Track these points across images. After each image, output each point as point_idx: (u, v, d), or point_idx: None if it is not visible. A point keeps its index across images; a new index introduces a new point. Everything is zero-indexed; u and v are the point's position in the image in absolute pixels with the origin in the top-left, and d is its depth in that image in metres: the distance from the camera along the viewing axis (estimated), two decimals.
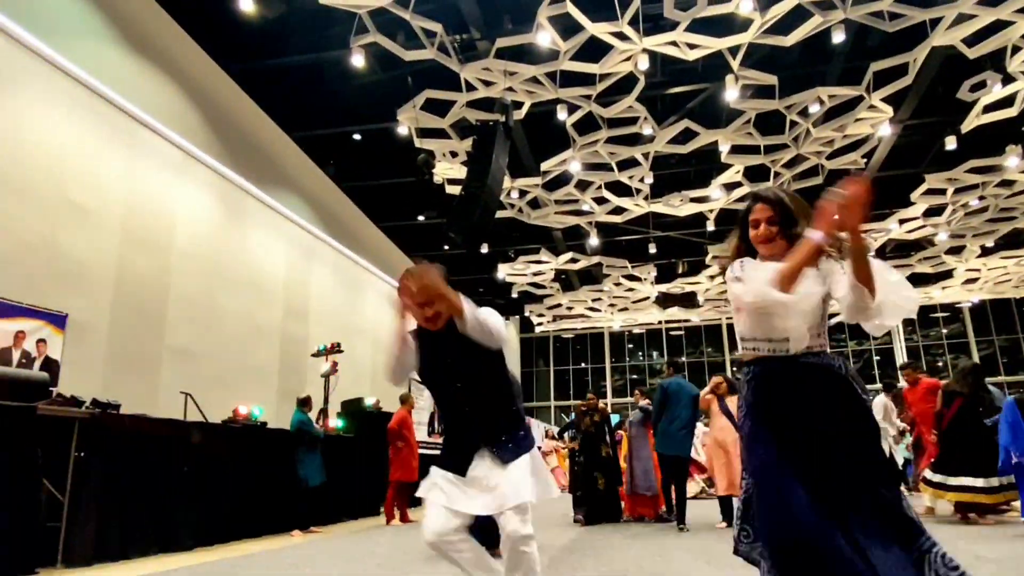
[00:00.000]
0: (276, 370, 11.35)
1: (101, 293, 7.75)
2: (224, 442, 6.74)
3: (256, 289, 10.93)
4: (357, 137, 11.82)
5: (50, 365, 7.04)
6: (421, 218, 15.19)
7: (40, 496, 4.65)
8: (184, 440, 6.11)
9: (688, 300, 20.02)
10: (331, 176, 13.00)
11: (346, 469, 8.79)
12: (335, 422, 9.49)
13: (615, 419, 9.89)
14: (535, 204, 13.44)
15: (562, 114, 10.10)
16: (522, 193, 12.83)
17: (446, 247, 16.79)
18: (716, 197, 12.67)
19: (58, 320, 7.21)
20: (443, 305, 2.30)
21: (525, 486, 2.35)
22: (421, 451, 8.87)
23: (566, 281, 19.34)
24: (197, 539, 5.97)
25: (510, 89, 9.46)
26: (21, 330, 6.84)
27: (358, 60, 8.39)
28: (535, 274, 17.55)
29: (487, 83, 9.36)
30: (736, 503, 6.34)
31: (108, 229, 7.84)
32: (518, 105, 10.06)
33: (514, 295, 19.60)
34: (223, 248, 10.11)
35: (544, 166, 11.63)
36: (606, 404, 24.34)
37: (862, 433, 1.82)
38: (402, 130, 10.46)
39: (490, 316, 2.38)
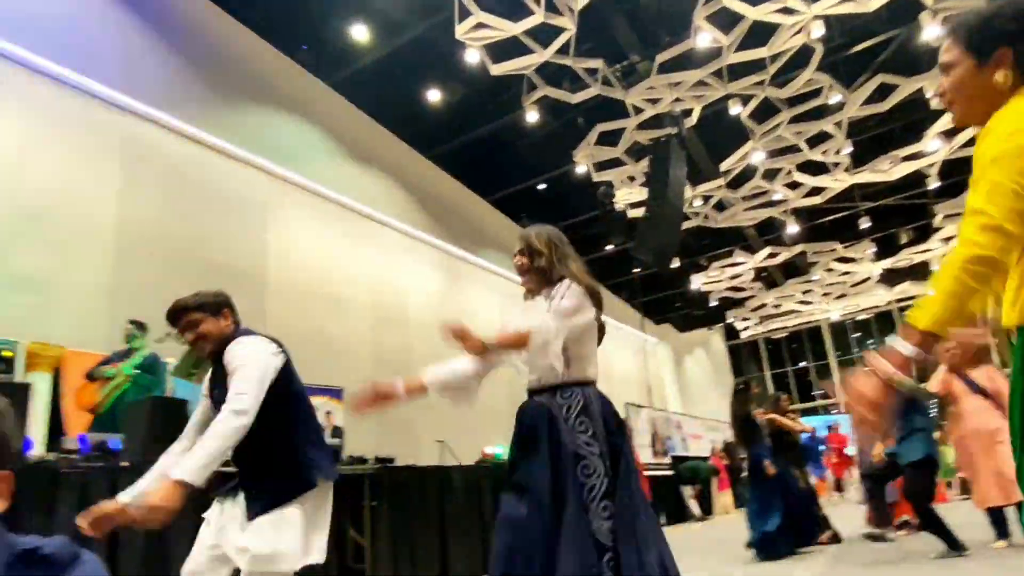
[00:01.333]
0: (507, 410, 11.85)
1: (362, 366, 8.82)
2: (479, 481, 7.12)
3: None
4: (542, 187, 12.28)
5: (337, 432, 8.12)
6: (609, 248, 15.15)
7: (347, 543, 5.26)
8: (447, 483, 6.55)
9: (920, 271, 17.20)
10: (525, 227, 13.64)
11: None
12: None
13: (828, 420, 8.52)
14: (721, 206, 12.70)
15: (735, 108, 9.51)
16: (705, 199, 12.22)
17: (635, 270, 16.50)
18: (934, 149, 10.86)
19: (337, 393, 8.31)
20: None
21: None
22: (648, 472, 8.66)
23: (768, 279, 17.82)
24: (472, 570, 6.29)
25: (677, 100, 9.18)
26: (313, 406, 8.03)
27: (532, 116, 8.78)
28: (732, 278, 16.42)
29: (653, 101, 9.18)
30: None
31: (360, 314, 8.97)
32: (687, 113, 9.70)
33: (713, 303, 18.48)
34: (448, 310, 11.00)
35: (724, 165, 10.98)
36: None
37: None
38: (580, 169, 10.64)
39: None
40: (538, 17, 7.02)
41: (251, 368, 2.05)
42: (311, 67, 8.53)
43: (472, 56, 7.57)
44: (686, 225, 11.81)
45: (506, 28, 7.04)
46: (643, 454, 12.06)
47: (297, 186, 8.15)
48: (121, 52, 6.35)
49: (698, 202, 12.14)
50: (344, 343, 8.55)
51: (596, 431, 1.93)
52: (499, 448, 8.65)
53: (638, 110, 9.32)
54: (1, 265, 5.40)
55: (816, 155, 10.76)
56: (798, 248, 14.86)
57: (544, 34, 7.41)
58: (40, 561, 0.81)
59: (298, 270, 8.03)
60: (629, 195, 11.41)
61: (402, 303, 9.87)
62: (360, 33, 7.82)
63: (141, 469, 3.77)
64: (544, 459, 1.94)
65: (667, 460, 13.59)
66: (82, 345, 5.73)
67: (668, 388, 21.28)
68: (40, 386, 5.31)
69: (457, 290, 11.46)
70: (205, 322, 2.19)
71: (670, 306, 20.83)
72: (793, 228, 13.62)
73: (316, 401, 7.98)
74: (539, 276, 2.18)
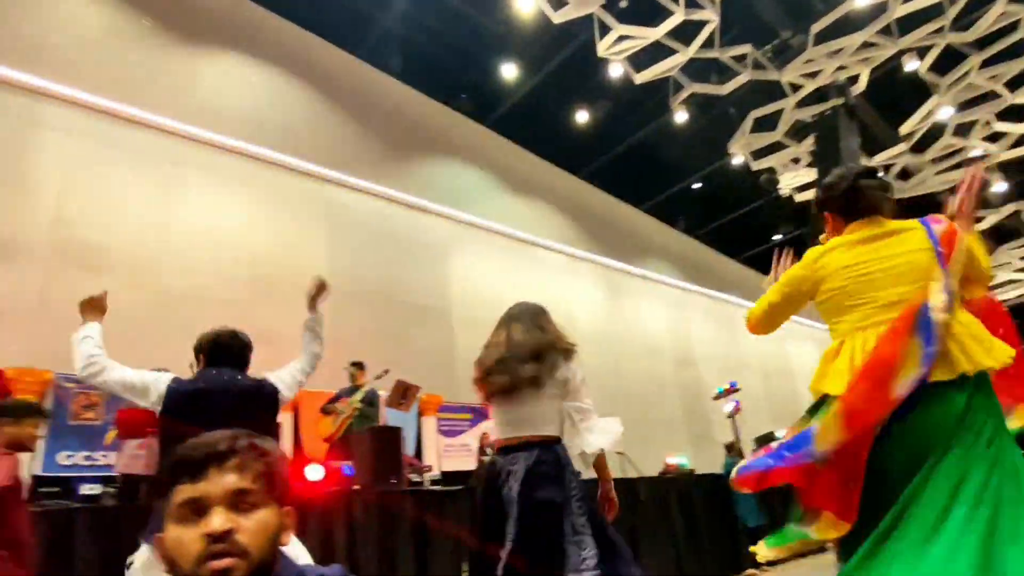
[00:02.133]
0: (681, 418, 11.48)
1: None
2: (666, 492, 6.86)
3: (647, 351, 11.44)
4: (697, 185, 11.86)
5: None
6: (777, 237, 14.10)
7: None
8: (634, 495, 6.36)
9: None
10: (683, 230, 13.24)
11: (779, 506, 8.09)
12: None
13: None
14: (905, 174, 11.25)
15: (911, 63, 8.44)
16: (886, 168, 10.91)
17: None
18: None
19: None
20: None
21: None
22: None
23: None
24: None
25: (840, 68, 8.39)
26: None
27: (681, 116, 8.54)
28: None
29: (812, 75, 8.48)
30: None
31: None
32: (854, 79, 8.82)
33: None
34: (613, 324, 10.95)
35: (904, 128, 9.74)
36: None
37: None
38: (736, 160, 10.10)
39: None
40: (678, 16, 6.86)
41: None
42: (471, 113, 9.18)
43: (615, 70, 7.58)
44: None
45: (648, 35, 6.97)
46: None
47: (470, 225, 8.76)
48: (318, 130, 7.36)
49: (878, 173, 10.90)
50: None
51: None
52: (682, 458, 8.33)
53: (795, 88, 8.67)
54: (245, 323, 6.35)
55: (1020, 98, 9.16)
56: (1009, 208, 12.65)
57: (686, 31, 7.22)
58: None
59: (477, 301, 8.53)
60: (795, 178, 10.57)
61: (570, 321, 10.03)
62: (509, 72, 8.24)
63: (371, 490, 4.21)
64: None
65: None
66: (312, 386, 6.57)
67: None
68: (285, 424, 6.14)
69: (621, 303, 11.37)
70: None
71: None
72: (1001, 186, 11.65)
73: None
74: None
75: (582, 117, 9.09)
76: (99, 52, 5.91)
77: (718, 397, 9.75)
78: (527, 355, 2.20)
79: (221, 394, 2.29)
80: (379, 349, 7.08)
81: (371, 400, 5.82)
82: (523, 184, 9.95)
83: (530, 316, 2.34)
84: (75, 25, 5.92)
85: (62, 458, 5.36)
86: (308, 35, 7.55)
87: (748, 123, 9.06)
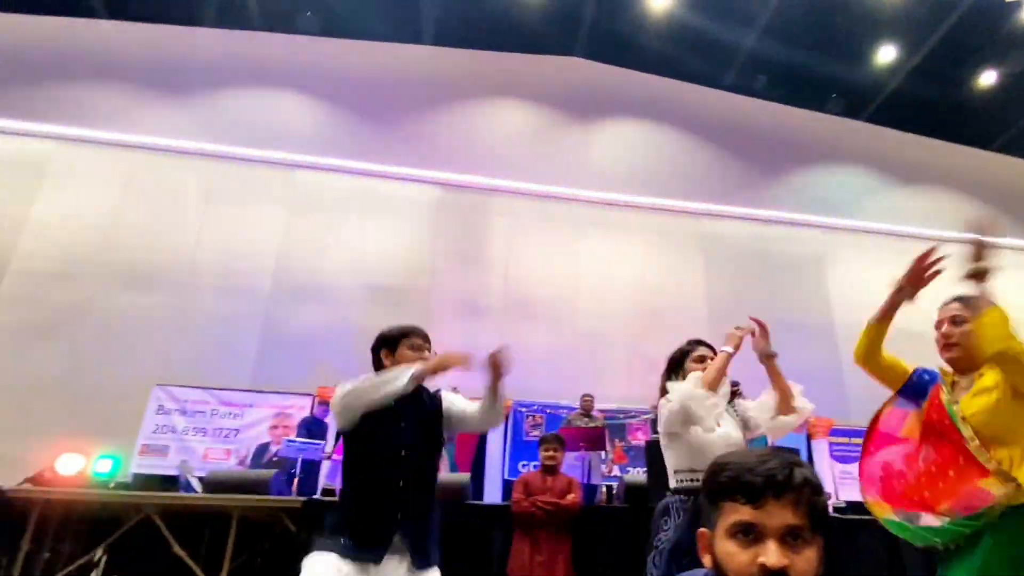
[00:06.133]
0: None
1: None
2: None
3: None
4: None
5: None
6: None
7: None
8: None
9: None
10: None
11: None
12: None
13: None
14: None
15: None
16: None
17: None
18: None
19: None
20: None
21: None
22: None
23: None
24: None
25: None
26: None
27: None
28: None
29: None
30: None
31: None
32: None
33: None
34: None
35: None
36: None
37: None
38: None
39: None
40: None
41: None
42: (844, 111, 8.48)
43: None
44: None
45: None
46: None
47: (849, 231, 8.05)
48: (690, 169, 7.96)
49: None
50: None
51: None
52: None
53: None
54: (639, 355, 7.14)
55: None
56: None
57: None
58: None
59: (864, 312, 7.78)
60: None
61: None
62: (886, 54, 7.34)
63: None
64: None
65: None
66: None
67: None
68: None
69: None
70: None
71: None
72: None
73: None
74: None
75: (988, 79, 7.37)
76: (519, 147, 7.66)
77: None
78: None
79: None
80: (762, 369, 7.11)
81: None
82: (913, 173, 8.58)
83: None
84: (502, 127, 7.80)
85: (519, 466, 6.96)
86: (672, 82, 8.16)
87: None
